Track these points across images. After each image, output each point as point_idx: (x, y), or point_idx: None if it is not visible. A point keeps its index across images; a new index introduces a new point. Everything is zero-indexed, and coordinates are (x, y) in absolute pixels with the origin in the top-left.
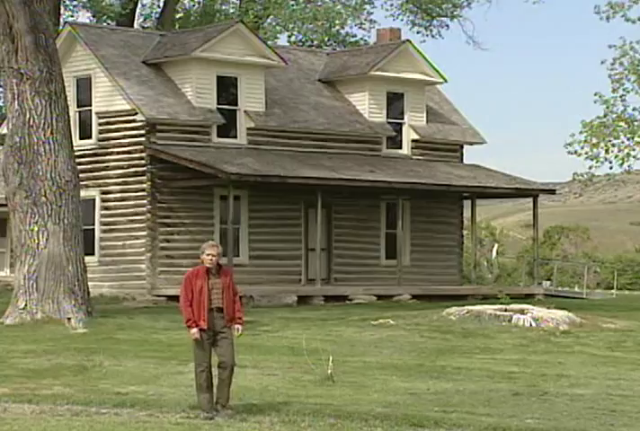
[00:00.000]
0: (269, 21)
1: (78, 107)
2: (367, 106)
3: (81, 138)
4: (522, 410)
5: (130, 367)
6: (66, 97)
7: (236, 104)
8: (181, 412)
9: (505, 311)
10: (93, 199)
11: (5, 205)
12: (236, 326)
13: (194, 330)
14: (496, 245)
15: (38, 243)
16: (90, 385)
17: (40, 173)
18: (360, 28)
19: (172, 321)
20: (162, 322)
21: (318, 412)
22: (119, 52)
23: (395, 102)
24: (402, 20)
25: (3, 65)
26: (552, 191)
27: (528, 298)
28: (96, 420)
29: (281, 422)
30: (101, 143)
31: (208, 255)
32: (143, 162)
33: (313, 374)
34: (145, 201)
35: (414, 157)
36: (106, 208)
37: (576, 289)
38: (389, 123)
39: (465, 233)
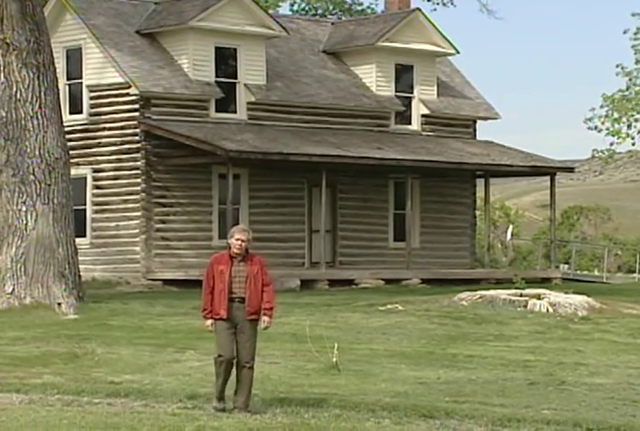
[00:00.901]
0: None
1: (68, 80)
2: (374, 79)
3: (71, 113)
4: (538, 401)
5: (124, 355)
6: (55, 69)
7: (236, 77)
8: (177, 402)
9: (520, 296)
10: (85, 178)
11: None
12: (264, 318)
13: (208, 322)
14: (511, 226)
15: (26, 224)
16: (82, 374)
17: (28, 150)
18: None
19: (168, 306)
20: (157, 308)
21: (322, 402)
22: (111, 21)
23: (403, 75)
24: None
25: None
26: (570, 169)
27: (544, 282)
28: (88, 411)
29: (284, 413)
30: (92, 118)
31: (237, 240)
32: (137, 138)
33: (317, 363)
34: (139, 180)
35: (424, 133)
36: (98, 187)
37: (596, 273)
38: (398, 97)
39: (477, 213)
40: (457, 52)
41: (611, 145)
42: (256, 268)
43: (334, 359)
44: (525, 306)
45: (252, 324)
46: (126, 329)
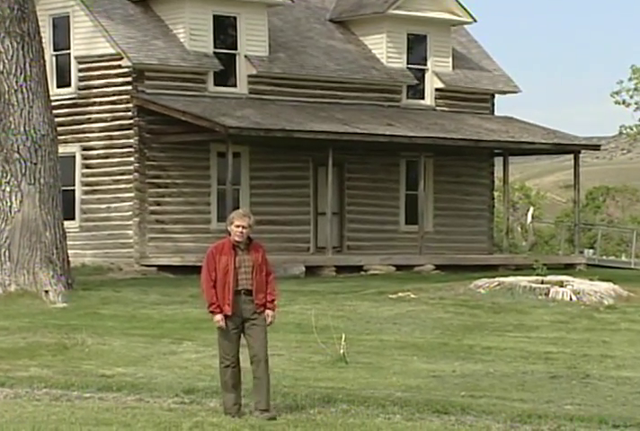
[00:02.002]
0: None
1: (55, 50)
2: (384, 50)
3: (58, 86)
4: (561, 395)
5: (116, 346)
6: (40, 39)
7: (236, 48)
8: (174, 397)
9: (542, 283)
10: (73, 156)
11: None
12: (267, 311)
13: (218, 317)
14: (532, 209)
15: (10, 206)
16: (71, 366)
17: (13, 126)
18: None
19: (163, 294)
20: (152, 296)
21: (329, 397)
22: None
23: (416, 46)
24: None
25: None
26: (596, 147)
27: (567, 269)
28: (78, 406)
29: (288, 408)
30: (81, 92)
31: (237, 226)
32: (129, 113)
33: (323, 355)
34: (132, 158)
35: (438, 108)
36: (88, 167)
37: (623, 258)
38: (410, 69)
39: (496, 194)
40: (475, 21)
41: None
42: (260, 257)
43: (342, 351)
44: (547, 294)
45: (261, 316)
46: (118, 319)
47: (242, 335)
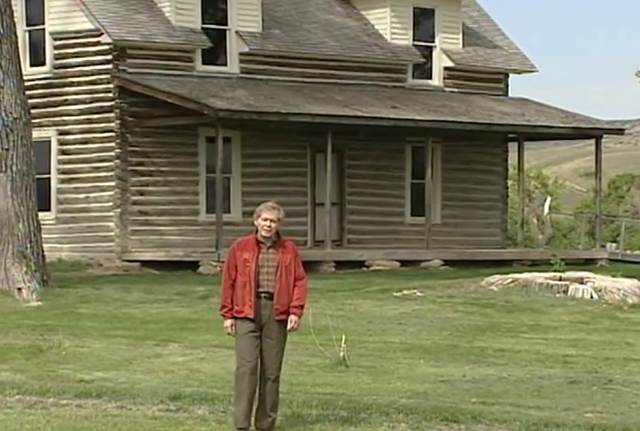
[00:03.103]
0: None
1: (28, 26)
2: (388, 25)
3: (32, 65)
4: (581, 402)
5: (96, 349)
6: (12, 13)
7: (226, 23)
8: (158, 404)
9: (560, 280)
10: (49, 141)
11: None
12: (291, 316)
13: (228, 323)
14: (549, 199)
15: None
16: (46, 371)
17: None
18: None
19: (147, 292)
20: (135, 294)
21: (328, 404)
22: None
23: (423, 21)
24: None
25: None
26: (619, 131)
27: (588, 264)
28: (54, 414)
29: (283, 416)
30: (57, 71)
31: (265, 220)
32: (110, 95)
33: (321, 358)
34: (112, 144)
35: (447, 89)
36: (65, 153)
37: None
38: (416, 47)
39: (510, 183)
40: None
41: None
42: (289, 257)
43: (342, 354)
44: (565, 292)
45: (280, 326)
46: (98, 319)
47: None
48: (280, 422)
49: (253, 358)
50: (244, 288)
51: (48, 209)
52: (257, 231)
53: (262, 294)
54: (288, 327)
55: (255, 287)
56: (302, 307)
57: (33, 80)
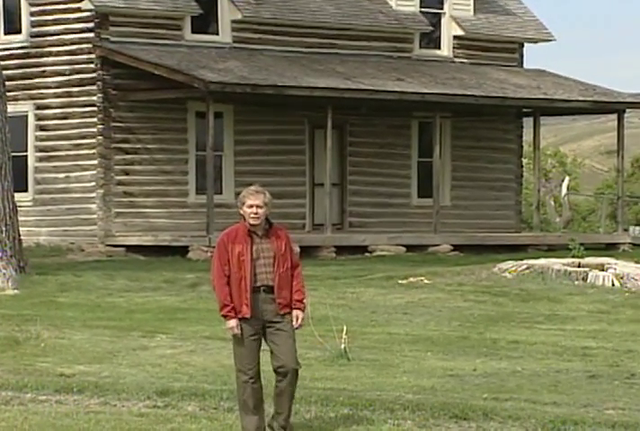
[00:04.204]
0: None
1: None
2: None
3: (7, 33)
4: (601, 398)
5: (77, 340)
6: None
7: None
8: (145, 400)
9: (579, 266)
10: (25, 116)
11: None
12: (295, 312)
13: (233, 323)
14: (567, 179)
15: None
16: (24, 364)
17: None
18: None
19: (132, 279)
20: (119, 281)
21: (328, 400)
22: None
23: None
24: None
25: None
26: None
27: (609, 249)
28: (32, 410)
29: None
30: (34, 40)
31: (250, 207)
32: (92, 66)
33: (321, 350)
34: (94, 119)
35: (457, 60)
36: (43, 129)
37: None
38: (423, 14)
39: (525, 162)
40: None
41: None
42: (283, 244)
43: (343, 346)
44: (584, 279)
45: (287, 318)
46: (79, 308)
47: (262, 342)
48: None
49: (253, 365)
50: (239, 285)
51: (25, 190)
52: (245, 219)
53: (262, 289)
54: (295, 325)
55: (252, 282)
56: (304, 300)
57: (8, 49)
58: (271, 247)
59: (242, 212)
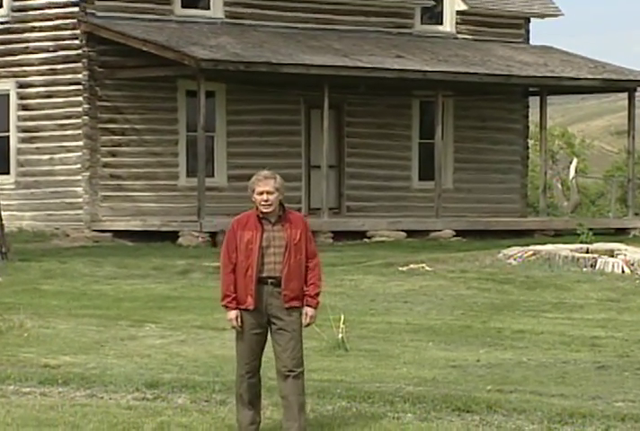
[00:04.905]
0: None
1: None
2: None
3: None
4: (610, 390)
5: (62, 330)
6: None
7: None
8: (133, 392)
9: (587, 252)
10: (7, 95)
11: None
12: (306, 309)
13: (232, 314)
14: (575, 160)
15: None
16: (6, 355)
17: None
18: None
19: (119, 266)
20: (106, 268)
21: (325, 392)
22: None
23: None
24: None
25: None
26: None
27: (619, 234)
28: (15, 403)
29: (274, 405)
30: (16, 14)
31: (261, 194)
32: (77, 42)
33: (317, 340)
34: (80, 98)
35: (460, 36)
36: (25, 108)
37: None
38: None
39: (531, 143)
40: None
41: None
42: (298, 233)
43: (340, 335)
44: (593, 266)
45: (294, 315)
46: (64, 297)
47: (267, 337)
48: (270, 412)
49: (251, 360)
50: (245, 274)
51: (7, 172)
52: (257, 207)
53: (269, 280)
54: (304, 322)
55: (258, 273)
56: (318, 295)
57: None
58: (283, 235)
59: (253, 199)
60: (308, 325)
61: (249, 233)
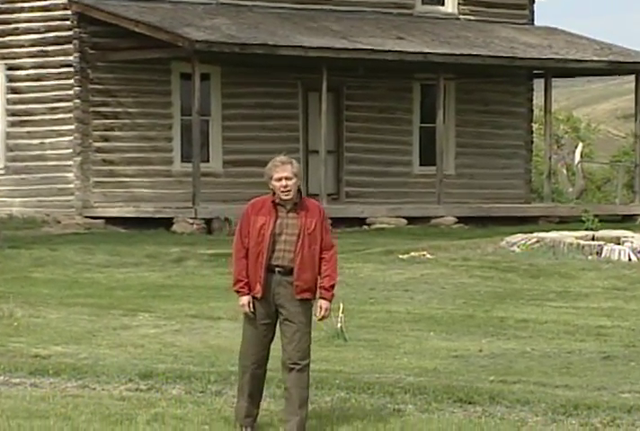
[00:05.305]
0: None
1: None
2: None
3: None
4: (616, 380)
5: (53, 319)
6: None
7: None
8: (126, 382)
9: (593, 239)
10: None
11: None
12: (320, 302)
13: (245, 300)
14: (580, 145)
15: None
16: None
17: None
18: None
19: (112, 253)
20: (98, 256)
21: (324, 383)
22: None
23: None
24: None
25: None
26: None
27: (626, 221)
28: (5, 394)
29: (270, 397)
30: None
31: (279, 180)
32: (67, 23)
33: (316, 330)
34: (71, 81)
35: (462, 17)
36: (15, 91)
37: None
38: None
39: (535, 127)
40: None
41: None
42: (313, 222)
43: (339, 325)
44: (599, 253)
45: (302, 307)
46: (55, 285)
47: (275, 328)
48: (267, 404)
49: (257, 350)
50: (256, 261)
51: None
52: (274, 193)
53: (278, 269)
54: (318, 316)
55: (267, 259)
56: (333, 287)
57: None
58: (297, 223)
59: (271, 186)
60: (323, 318)
61: (262, 219)
